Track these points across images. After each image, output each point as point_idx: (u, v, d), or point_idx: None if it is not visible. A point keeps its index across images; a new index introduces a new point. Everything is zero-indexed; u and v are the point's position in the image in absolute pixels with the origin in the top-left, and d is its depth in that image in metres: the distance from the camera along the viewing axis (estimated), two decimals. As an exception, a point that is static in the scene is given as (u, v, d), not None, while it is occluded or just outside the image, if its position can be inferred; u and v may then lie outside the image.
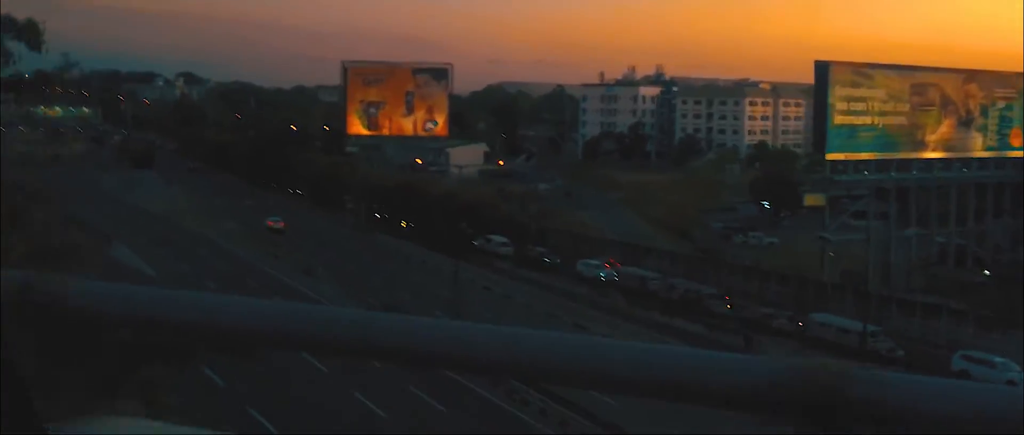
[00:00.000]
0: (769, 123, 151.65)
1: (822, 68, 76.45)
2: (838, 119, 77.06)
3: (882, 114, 79.32)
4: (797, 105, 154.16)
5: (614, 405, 47.14)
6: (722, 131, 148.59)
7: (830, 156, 77.06)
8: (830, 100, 76.52)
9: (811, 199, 78.39)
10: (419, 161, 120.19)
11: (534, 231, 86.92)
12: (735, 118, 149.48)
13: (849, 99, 77.43)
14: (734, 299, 66.58)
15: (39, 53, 16.46)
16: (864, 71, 78.62)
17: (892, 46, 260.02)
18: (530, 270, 78.32)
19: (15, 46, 17.87)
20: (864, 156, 78.54)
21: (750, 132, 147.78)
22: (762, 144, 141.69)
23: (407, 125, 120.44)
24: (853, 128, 77.90)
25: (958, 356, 51.91)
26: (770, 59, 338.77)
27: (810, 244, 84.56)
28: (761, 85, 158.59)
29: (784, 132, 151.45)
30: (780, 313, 62.85)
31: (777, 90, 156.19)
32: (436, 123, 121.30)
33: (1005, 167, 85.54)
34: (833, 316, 59.91)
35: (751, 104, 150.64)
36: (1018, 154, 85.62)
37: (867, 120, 78.76)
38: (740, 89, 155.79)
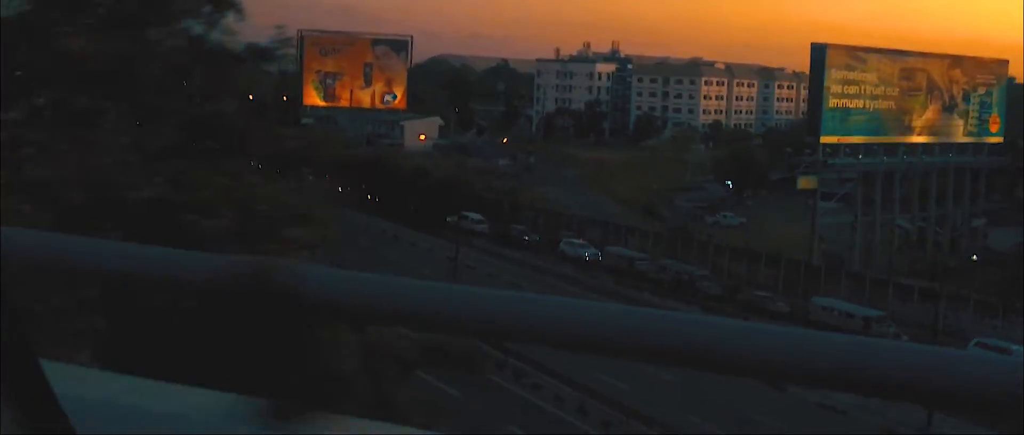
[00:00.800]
0: (723, 103, 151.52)
1: (818, 51, 75.99)
2: (833, 102, 76.63)
3: (873, 98, 79.18)
4: (750, 86, 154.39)
5: (625, 388, 46.01)
6: (677, 110, 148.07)
7: (824, 139, 76.66)
8: (826, 83, 76.00)
9: (805, 182, 77.81)
10: (422, 137, 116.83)
11: (507, 208, 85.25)
12: (690, 97, 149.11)
13: (844, 82, 77.07)
14: (726, 281, 65.74)
15: (242, 20, 13.17)
16: (858, 54, 78.33)
17: (844, 30, 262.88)
18: (510, 248, 76.62)
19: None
20: (856, 139, 78.40)
21: (705, 111, 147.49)
22: (717, 124, 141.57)
23: (365, 97, 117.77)
24: (847, 111, 77.56)
25: (973, 344, 51.42)
26: (720, 39, 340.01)
27: (779, 224, 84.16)
28: (716, 65, 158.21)
29: (737, 112, 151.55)
30: (776, 295, 62.11)
31: (731, 70, 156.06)
32: (395, 96, 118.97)
33: (982, 152, 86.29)
34: (836, 300, 59.17)
35: (706, 83, 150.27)
36: (995, 140, 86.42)
37: (859, 103, 78.50)
38: (695, 68, 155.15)
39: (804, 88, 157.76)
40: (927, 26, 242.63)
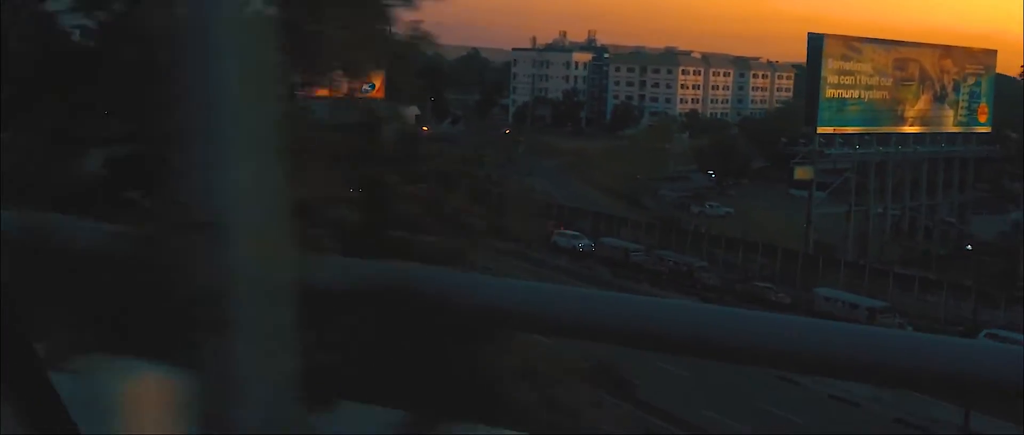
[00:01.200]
0: (699, 92, 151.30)
1: (816, 41, 75.94)
2: (829, 92, 76.52)
3: (868, 88, 79.26)
4: (726, 75, 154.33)
5: (635, 382, 45.30)
6: (654, 99, 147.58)
7: (821, 129, 76.58)
8: (823, 73, 75.85)
9: (801, 172, 77.67)
10: (425, 129, 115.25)
11: (495, 198, 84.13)
12: (668, 86, 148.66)
13: (840, 72, 77.01)
14: (722, 271, 65.35)
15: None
16: (854, 45, 78.32)
17: (822, 19, 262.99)
18: (500, 239, 75.49)
19: None
20: (851, 130, 78.44)
21: (682, 100, 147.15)
22: (694, 113, 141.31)
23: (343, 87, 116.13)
24: (843, 101, 77.55)
25: (984, 335, 51.21)
26: (693, 28, 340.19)
27: (764, 214, 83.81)
28: (692, 54, 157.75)
29: (713, 101, 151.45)
30: (777, 286, 61.76)
31: (707, 59, 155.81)
32: (372, 86, 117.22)
33: (971, 142, 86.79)
34: (840, 291, 58.86)
35: (684, 72, 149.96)
36: (984, 129, 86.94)
37: (855, 94, 78.54)
38: (671, 57, 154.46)
39: (778, 77, 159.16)
40: (914, 16, 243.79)
